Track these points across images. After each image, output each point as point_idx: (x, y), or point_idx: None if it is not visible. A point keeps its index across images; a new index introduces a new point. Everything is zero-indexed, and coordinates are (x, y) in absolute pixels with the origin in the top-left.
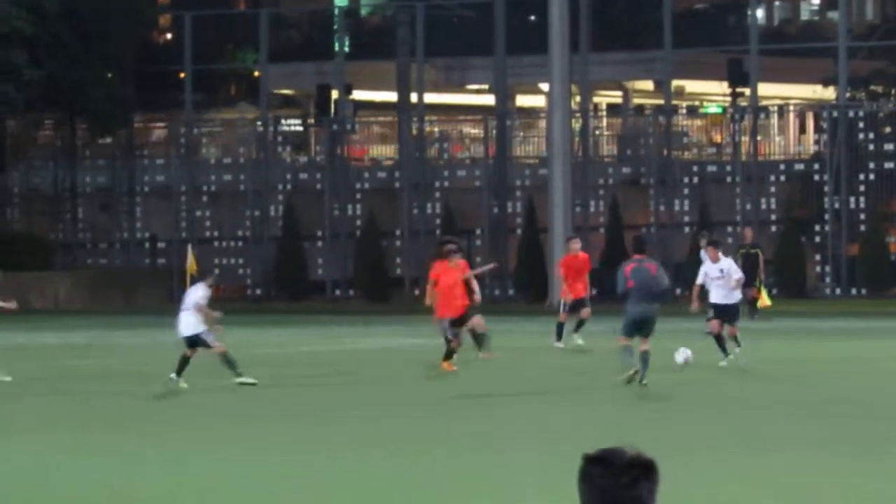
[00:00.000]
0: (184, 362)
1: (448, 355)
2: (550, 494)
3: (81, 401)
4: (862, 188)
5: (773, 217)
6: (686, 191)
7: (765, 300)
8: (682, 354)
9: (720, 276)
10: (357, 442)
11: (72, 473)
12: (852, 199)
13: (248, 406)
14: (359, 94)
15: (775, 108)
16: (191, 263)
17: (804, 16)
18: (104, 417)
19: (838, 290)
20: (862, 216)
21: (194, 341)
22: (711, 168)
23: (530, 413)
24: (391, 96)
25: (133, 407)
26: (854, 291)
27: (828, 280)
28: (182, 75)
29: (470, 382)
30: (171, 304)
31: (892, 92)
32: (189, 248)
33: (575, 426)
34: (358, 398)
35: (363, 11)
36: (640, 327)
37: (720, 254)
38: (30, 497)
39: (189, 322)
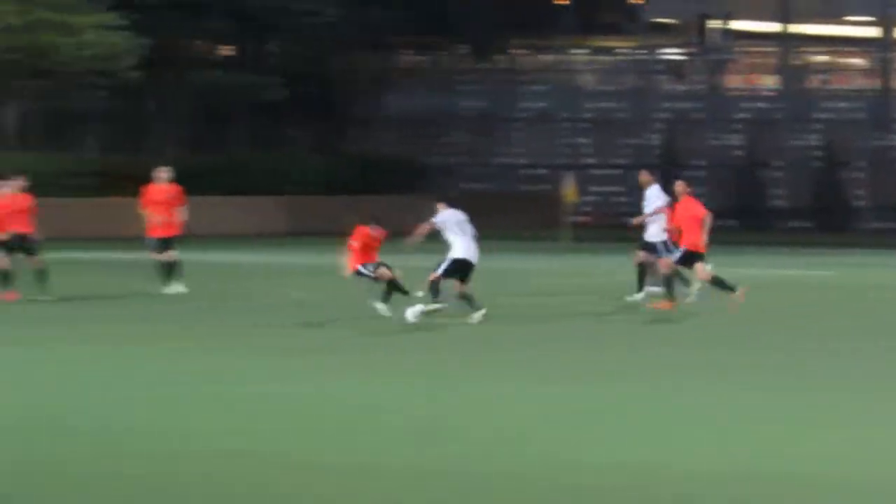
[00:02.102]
0: None
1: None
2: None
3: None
4: None
5: None
6: None
7: None
8: (412, 312)
9: None
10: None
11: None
12: None
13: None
14: (737, 24)
15: None
16: (570, 190)
17: None
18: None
19: None
20: None
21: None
22: None
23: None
24: (770, 27)
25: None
26: None
27: None
28: (562, 1)
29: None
30: (548, 230)
31: None
32: (570, 175)
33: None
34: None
35: None
36: None
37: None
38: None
39: (472, 248)
